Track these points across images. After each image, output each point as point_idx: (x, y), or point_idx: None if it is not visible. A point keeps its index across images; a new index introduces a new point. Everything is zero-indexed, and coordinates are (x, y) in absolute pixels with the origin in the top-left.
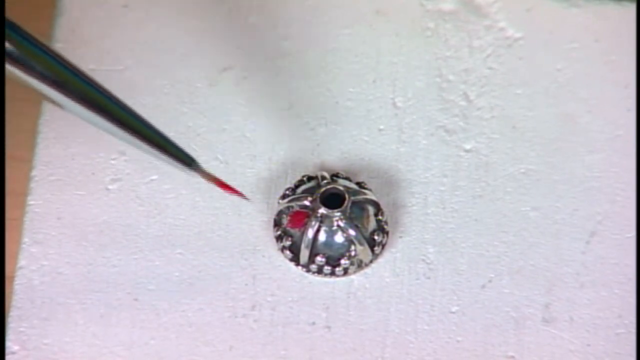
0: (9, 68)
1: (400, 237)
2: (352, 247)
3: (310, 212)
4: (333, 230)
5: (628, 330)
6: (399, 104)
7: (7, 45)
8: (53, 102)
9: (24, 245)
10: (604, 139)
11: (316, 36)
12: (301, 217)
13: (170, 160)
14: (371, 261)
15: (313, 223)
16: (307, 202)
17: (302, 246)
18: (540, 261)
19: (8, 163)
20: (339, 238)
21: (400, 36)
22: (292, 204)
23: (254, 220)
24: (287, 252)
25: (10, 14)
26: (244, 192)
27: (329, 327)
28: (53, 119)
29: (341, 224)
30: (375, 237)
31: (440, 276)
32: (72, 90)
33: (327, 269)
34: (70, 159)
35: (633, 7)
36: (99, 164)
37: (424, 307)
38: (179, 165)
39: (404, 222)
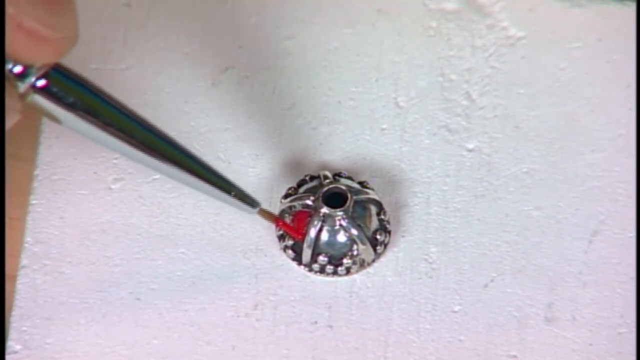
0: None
1: (403, 236)
2: (355, 247)
3: (313, 212)
4: (335, 229)
5: (630, 330)
6: (401, 104)
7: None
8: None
9: (26, 245)
10: (607, 138)
11: (318, 35)
12: (303, 217)
13: (235, 202)
14: (373, 260)
15: (315, 222)
16: (309, 202)
17: (305, 245)
18: (542, 260)
19: (10, 162)
20: (342, 237)
21: (402, 35)
22: (295, 203)
23: (256, 220)
24: (290, 251)
25: None
26: (249, 193)
27: (331, 327)
28: None
29: (343, 223)
30: (378, 237)
31: (442, 275)
32: (142, 142)
33: (329, 268)
34: (72, 158)
35: (635, 7)
36: (101, 164)
37: (426, 307)
38: (243, 207)
39: (406, 222)
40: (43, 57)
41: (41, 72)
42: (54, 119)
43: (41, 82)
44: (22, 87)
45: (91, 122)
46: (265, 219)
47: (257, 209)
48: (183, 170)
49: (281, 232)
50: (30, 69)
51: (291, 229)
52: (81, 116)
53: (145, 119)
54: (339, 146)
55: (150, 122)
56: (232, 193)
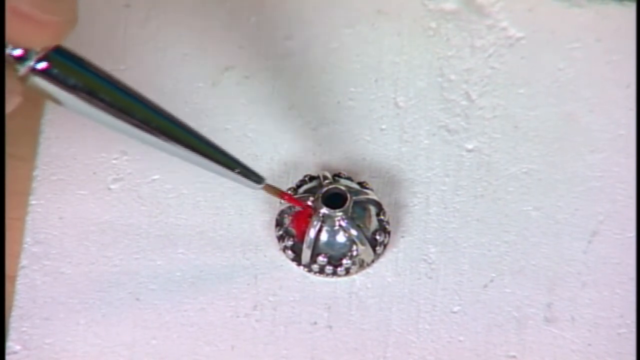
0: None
1: (402, 236)
2: (354, 247)
3: (312, 212)
4: (335, 230)
5: (629, 330)
6: (400, 104)
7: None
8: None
9: (25, 245)
10: (606, 138)
11: (318, 36)
12: (304, 217)
13: (240, 179)
14: (373, 261)
15: (315, 223)
16: (309, 202)
17: (304, 246)
18: (541, 261)
19: (10, 163)
20: (341, 238)
21: (402, 36)
22: None
23: (256, 220)
24: (289, 251)
25: None
26: (247, 193)
27: (330, 327)
28: (55, 119)
29: (343, 223)
30: (377, 237)
31: (442, 276)
32: (144, 121)
33: (328, 268)
34: (72, 158)
35: (634, 7)
36: (100, 164)
37: (425, 307)
38: (248, 183)
39: (405, 222)
40: (41, 41)
41: (41, 55)
42: (55, 100)
43: (42, 65)
44: (22, 70)
45: (93, 104)
46: (271, 194)
47: (262, 185)
48: (186, 147)
49: (281, 232)
50: (30, 51)
51: (298, 202)
52: (83, 97)
53: (147, 98)
54: (339, 146)
55: (152, 100)
56: (236, 170)
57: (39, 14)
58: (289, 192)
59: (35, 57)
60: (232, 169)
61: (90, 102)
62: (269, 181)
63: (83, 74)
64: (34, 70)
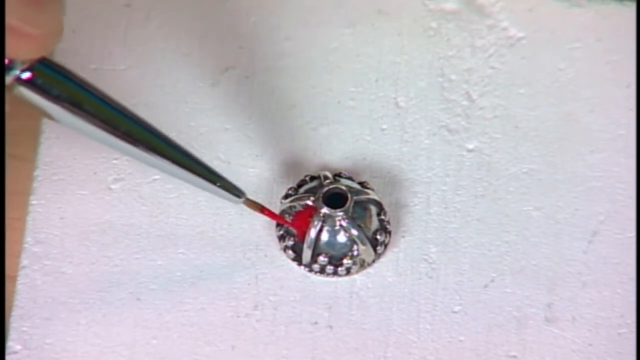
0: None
1: (403, 236)
2: (355, 247)
3: (313, 212)
4: (335, 229)
5: (630, 330)
6: (401, 104)
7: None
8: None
9: (26, 245)
10: (606, 138)
11: (318, 36)
12: (305, 217)
13: (222, 192)
14: (374, 261)
15: (315, 223)
16: (309, 202)
17: (305, 246)
18: (542, 261)
19: (10, 163)
20: (342, 238)
21: (402, 36)
22: (295, 203)
23: (256, 220)
24: (290, 251)
25: None
26: (248, 193)
27: (331, 327)
28: None
29: (344, 223)
30: (378, 237)
31: (442, 276)
32: (127, 133)
33: (329, 268)
34: (72, 158)
35: (634, 7)
36: (101, 164)
37: (426, 307)
38: (229, 197)
39: (406, 222)
40: (27, 53)
41: (26, 65)
42: (41, 111)
43: (26, 75)
44: (8, 79)
45: (76, 114)
46: (252, 208)
47: (242, 199)
48: (168, 160)
49: (281, 232)
50: (15, 62)
51: (278, 217)
52: (67, 108)
53: (130, 110)
54: (339, 146)
55: (135, 113)
56: (218, 184)
57: (26, 27)
58: (290, 191)
59: (20, 67)
60: (213, 182)
61: (73, 112)
62: (269, 180)
63: (67, 85)
64: (18, 80)
